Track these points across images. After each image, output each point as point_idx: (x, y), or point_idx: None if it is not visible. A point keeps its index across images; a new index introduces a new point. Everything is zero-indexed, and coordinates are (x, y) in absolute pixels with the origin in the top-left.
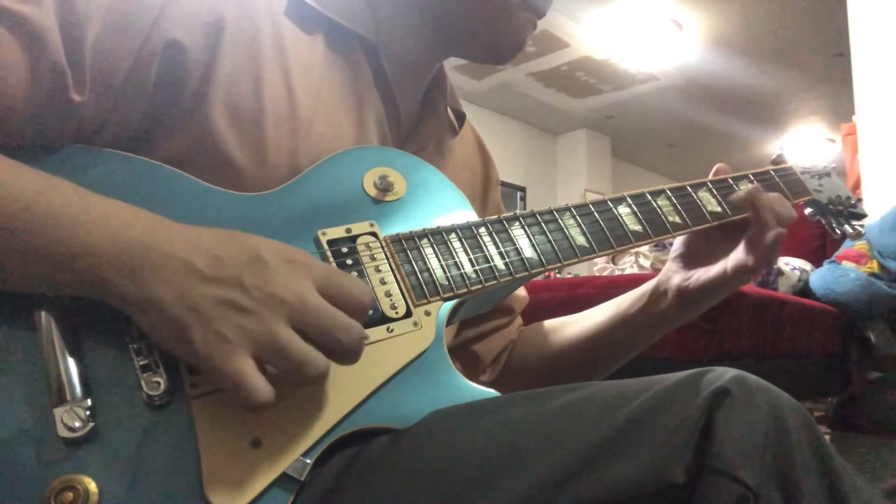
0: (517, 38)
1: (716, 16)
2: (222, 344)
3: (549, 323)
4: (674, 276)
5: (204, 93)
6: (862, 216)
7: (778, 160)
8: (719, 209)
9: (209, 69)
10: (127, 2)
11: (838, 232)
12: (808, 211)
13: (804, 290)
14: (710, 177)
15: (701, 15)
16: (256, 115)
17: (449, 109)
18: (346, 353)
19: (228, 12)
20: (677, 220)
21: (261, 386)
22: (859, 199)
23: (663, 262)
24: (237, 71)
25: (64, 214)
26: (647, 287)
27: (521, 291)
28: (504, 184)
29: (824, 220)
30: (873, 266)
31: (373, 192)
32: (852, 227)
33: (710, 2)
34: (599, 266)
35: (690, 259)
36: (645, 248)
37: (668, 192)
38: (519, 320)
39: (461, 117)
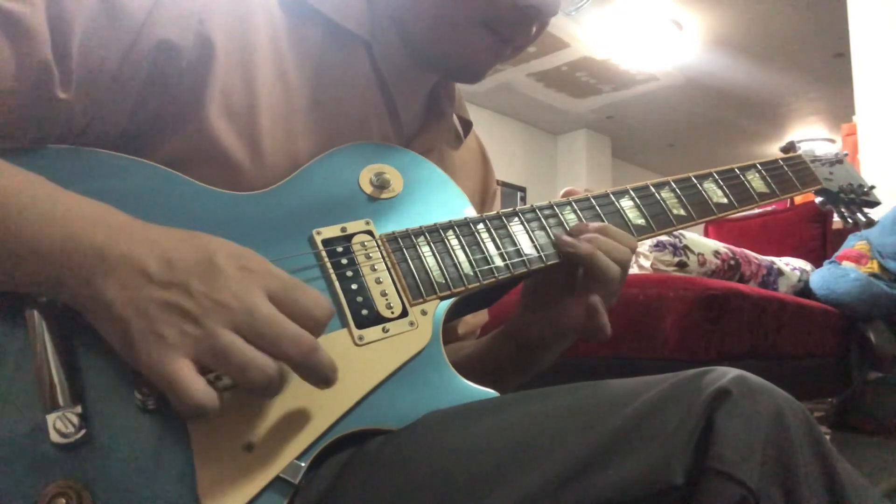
0: (474, 60)
1: (716, 16)
2: (160, 345)
3: (463, 343)
4: (515, 319)
5: (199, 93)
6: (875, 204)
7: (788, 148)
8: (725, 201)
9: (203, 68)
10: (116, 1)
11: (850, 221)
12: (818, 200)
13: (804, 290)
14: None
15: (701, 15)
16: (252, 113)
17: (455, 117)
18: (299, 366)
19: (221, 9)
20: (682, 212)
21: (199, 388)
22: (872, 187)
23: (664, 263)
24: (232, 70)
25: (30, 213)
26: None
27: (482, 315)
28: (504, 184)
29: (835, 209)
30: (873, 266)
31: (369, 189)
32: (865, 215)
33: (710, 2)
34: None
35: (535, 300)
36: (645, 248)
37: (672, 183)
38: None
39: (467, 125)
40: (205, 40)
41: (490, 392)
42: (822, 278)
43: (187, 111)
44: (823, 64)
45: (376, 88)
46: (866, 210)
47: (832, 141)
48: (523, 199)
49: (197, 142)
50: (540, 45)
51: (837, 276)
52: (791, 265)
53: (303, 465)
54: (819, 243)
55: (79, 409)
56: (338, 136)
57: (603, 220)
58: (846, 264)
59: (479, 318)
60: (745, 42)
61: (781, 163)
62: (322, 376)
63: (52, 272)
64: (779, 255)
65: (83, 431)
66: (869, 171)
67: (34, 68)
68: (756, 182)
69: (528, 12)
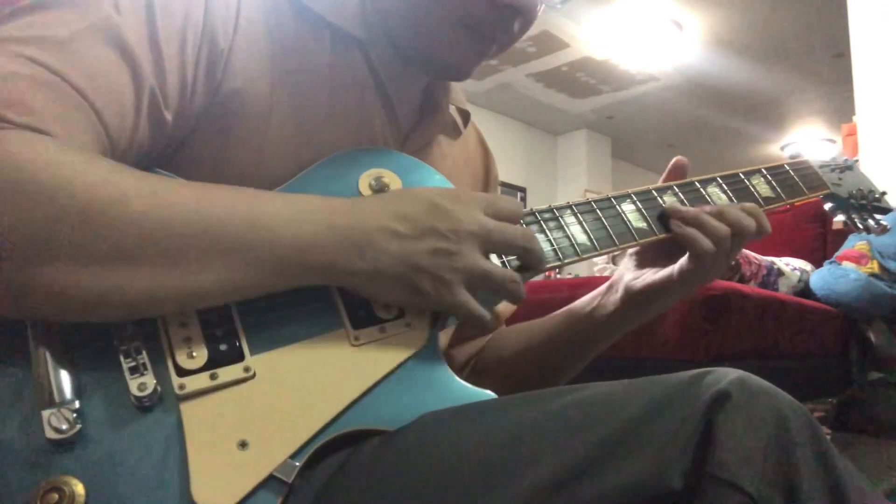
0: (457, 60)
1: (716, 16)
2: (444, 285)
3: (513, 327)
4: (625, 274)
5: (217, 98)
6: (887, 210)
7: (794, 156)
8: None
9: (223, 76)
10: (177, 15)
11: (860, 226)
12: (827, 206)
13: (804, 290)
14: (668, 170)
15: (701, 15)
16: (265, 116)
17: (453, 108)
18: (531, 253)
19: (245, 9)
20: None
21: (485, 311)
22: (884, 193)
23: None
24: (249, 68)
25: (281, 220)
26: (601, 287)
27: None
28: (504, 184)
29: (845, 216)
30: (874, 266)
31: (368, 193)
32: (876, 221)
33: (710, 2)
34: (600, 266)
35: (645, 258)
36: None
37: (675, 188)
38: (503, 326)
39: (465, 115)
40: (230, 40)
41: (487, 393)
42: (822, 278)
43: (211, 116)
44: (823, 64)
45: (373, 88)
46: (877, 216)
47: (832, 141)
48: (523, 200)
49: (212, 148)
50: (540, 45)
51: (838, 277)
52: (791, 265)
53: (297, 464)
54: (819, 243)
55: (74, 405)
56: (337, 137)
57: (604, 224)
58: (846, 264)
59: (509, 306)
60: (745, 42)
61: (787, 167)
62: (538, 258)
63: (326, 261)
64: (779, 255)
65: (78, 427)
66: (869, 172)
67: (147, 94)
68: (761, 187)
69: (506, 11)
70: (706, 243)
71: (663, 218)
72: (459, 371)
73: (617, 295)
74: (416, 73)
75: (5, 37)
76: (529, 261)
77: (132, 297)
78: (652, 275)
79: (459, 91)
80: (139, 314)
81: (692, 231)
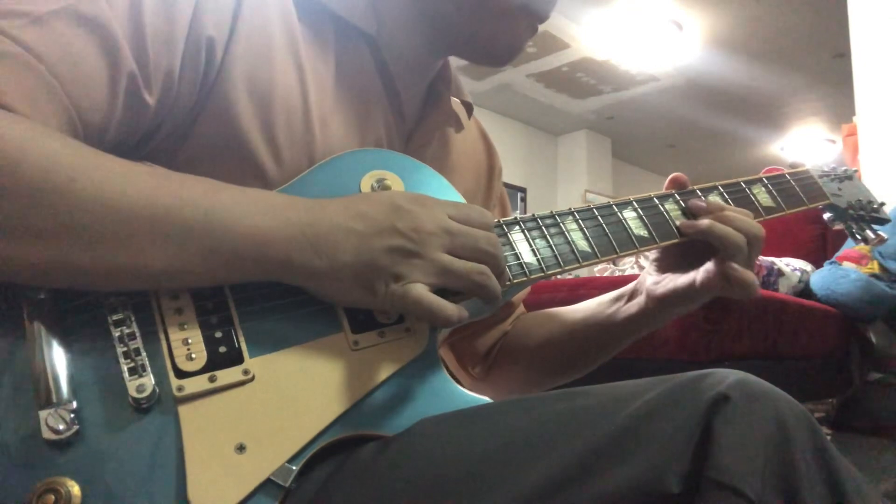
0: (515, 43)
1: (716, 16)
2: (400, 283)
3: (537, 313)
4: (648, 278)
5: (227, 88)
6: (885, 221)
7: (795, 164)
8: None
9: (224, 65)
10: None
11: (859, 237)
12: (827, 216)
13: (805, 290)
14: (666, 185)
15: (701, 15)
16: (268, 111)
17: (455, 101)
18: (494, 259)
19: (246, 6)
20: None
21: (445, 304)
22: (882, 204)
23: None
24: (254, 64)
25: (238, 212)
26: (627, 288)
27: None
28: (504, 184)
29: (844, 225)
30: (874, 267)
31: None
32: (874, 231)
33: (710, 2)
34: (600, 267)
35: (666, 263)
36: None
37: (676, 195)
38: (521, 309)
39: (469, 107)
40: (228, 35)
41: (483, 399)
42: (822, 279)
43: (216, 106)
44: (823, 64)
45: (380, 82)
46: (875, 227)
47: (833, 141)
48: (523, 200)
49: (224, 137)
50: (540, 45)
51: (838, 277)
52: (791, 265)
53: (294, 468)
54: (819, 243)
55: (72, 406)
56: (342, 132)
57: (605, 230)
58: (847, 265)
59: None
60: (745, 42)
61: (788, 177)
62: (503, 266)
63: (283, 256)
64: (779, 255)
65: (75, 428)
66: (869, 172)
67: (125, 76)
68: (762, 196)
69: None
70: (738, 237)
71: (688, 218)
72: (481, 361)
73: (640, 298)
74: (427, 66)
75: None
76: (495, 267)
77: (82, 268)
78: (673, 281)
79: (461, 83)
80: (94, 287)
81: (723, 228)
